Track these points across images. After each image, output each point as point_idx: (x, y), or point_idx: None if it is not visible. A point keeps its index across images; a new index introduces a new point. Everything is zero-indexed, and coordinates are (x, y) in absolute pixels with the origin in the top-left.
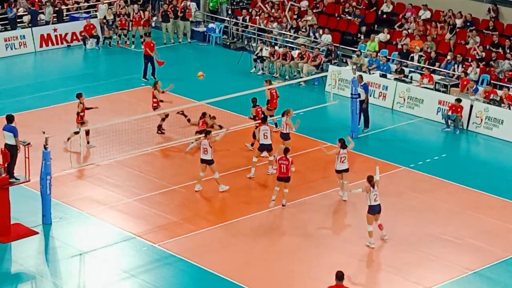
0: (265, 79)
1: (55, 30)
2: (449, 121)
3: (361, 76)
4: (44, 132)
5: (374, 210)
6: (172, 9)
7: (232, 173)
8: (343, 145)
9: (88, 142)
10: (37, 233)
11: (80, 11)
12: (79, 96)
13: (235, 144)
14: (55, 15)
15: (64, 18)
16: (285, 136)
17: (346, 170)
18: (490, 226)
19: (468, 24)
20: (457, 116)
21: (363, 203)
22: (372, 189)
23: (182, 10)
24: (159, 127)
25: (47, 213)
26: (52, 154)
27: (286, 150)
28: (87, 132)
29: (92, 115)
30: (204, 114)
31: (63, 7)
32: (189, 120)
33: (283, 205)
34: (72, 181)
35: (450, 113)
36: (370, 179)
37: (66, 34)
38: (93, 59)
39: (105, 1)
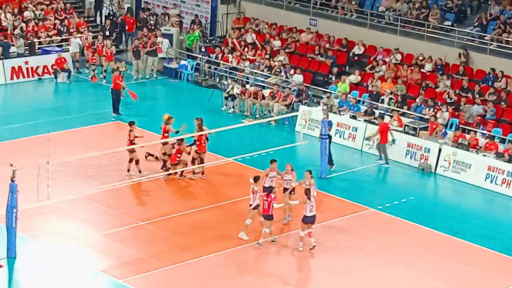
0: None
1: (26, 62)
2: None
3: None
4: (11, 165)
5: (308, 220)
6: (144, 45)
7: (202, 210)
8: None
9: (128, 170)
10: (1, 266)
11: (52, 44)
12: (131, 124)
13: (206, 181)
14: (27, 47)
15: (36, 51)
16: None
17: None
18: (456, 269)
19: (439, 68)
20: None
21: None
22: (308, 201)
23: (152, 45)
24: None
25: (12, 246)
26: (20, 187)
27: (271, 188)
28: (137, 162)
29: (61, 149)
30: (181, 141)
31: (35, 39)
32: (156, 158)
33: (258, 244)
34: (39, 214)
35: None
36: (306, 192)
37: (38, 67)
38: (64, 92)
39: (77, 36)
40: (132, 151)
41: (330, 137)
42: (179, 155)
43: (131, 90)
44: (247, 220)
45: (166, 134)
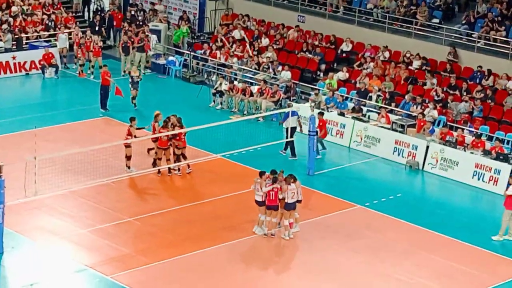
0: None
1: (14, 57)
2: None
3: (290, 103)
4: None
5: (289, 206)
6: (132, 40)
7: (189, 206)
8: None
9: (129, 167)
10: None
11: (40, 39)
12: (132, 119)
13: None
14: (14, 42)
15: (24, 46)
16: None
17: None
18: (443, 266)
19: (424, 67)
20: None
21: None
22: (289, 187)
23: (139, 41)
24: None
25: None
26: (7, 182)
27: (275, 179)
28: (129, 157)
29: (49, 144)
30: (132, 120)
31: (23, 35)
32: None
33: (271, 234)
34: (26, 210)
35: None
36: (287, 179)
37: (25, 62)
38: (51, 88)
39: (65, 31)
40: (128, 146)
41: (294, 128)
42: (128, 137)
43: (118, 86)
44: (260, 215)
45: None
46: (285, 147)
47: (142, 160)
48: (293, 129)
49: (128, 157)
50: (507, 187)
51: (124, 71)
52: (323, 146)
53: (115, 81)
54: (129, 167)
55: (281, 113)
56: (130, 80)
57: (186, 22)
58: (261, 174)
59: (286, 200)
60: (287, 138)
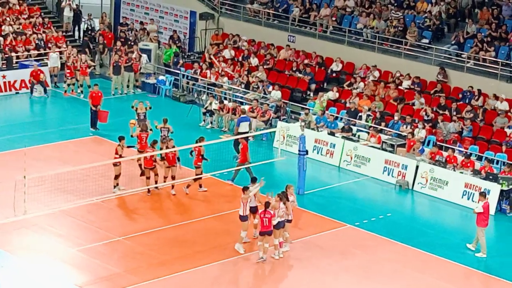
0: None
1: (4, 76)
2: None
3: (244, 110)
4: None
5: (279, 225)
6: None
7: (179, 225)
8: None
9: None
10: None
11: (30, 58)
12: (121, 139)
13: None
14: (4, 61)
15: (14, 65)
16: None
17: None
18: (433, 286)
19: (416, 85)
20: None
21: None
22: (281, 205)
23: (127, 61)
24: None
25: None
26: None
27: (267, 204)
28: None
29: (38, 163)
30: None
31: (13, 54)
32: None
33: (263, 259)
34: (15, 229)
35: None
36: (281, 197)
37: (15, 81)
38: (41, 107)
39: (56, 50)
40: (115, 165)
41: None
42: (116, 156)
43: (103, 110)
44: (242, 233)
45: (116, 155)
46: (236, 148)
47: (131, 179)
48: (244, 134)
49: (117, 176)
50: (478, 205)
51: (132, 106)
52: (249, 172)
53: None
54: (115, 186)
55: (270, 133)
56: (136, 118)
57: (177, 42)
58: (244, 189)
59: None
60: (238, 143)
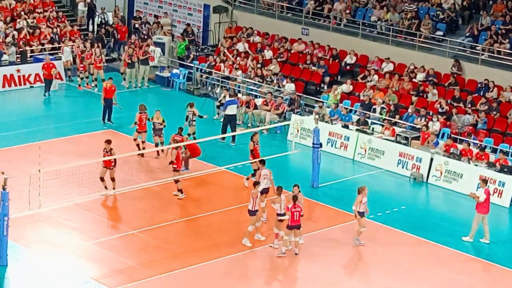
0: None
1: (18, 70)
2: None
3: (234, 91)
4: (3, 173)
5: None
6: (137, 53)
7: (194, 218)
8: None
9: (113, 188)
10: None
11: (44, 52)
12: (108, 142)
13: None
14: (18, 55)
15: (28, 59)
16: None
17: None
18: (448, 280)
19: (430, 78)
20: None
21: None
22: (280, 198)
23: (143, 54)
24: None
25: (3, 255)
26: (11, 195)
27: (295, 198)
28: (113, 179)
29: (53, 157)
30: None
31: (27, 48)
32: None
33: (296, 254)
34: (30, 223)
35: None
36: (278, 190)
37: (30, 75)
38: (55, 100)
39: (69, 44)
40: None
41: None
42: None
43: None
44: (249, 227)
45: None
46: (224, 132)
47: (144, 173)
48: (232, 117)
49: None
50: (477, 190)
51: (149, 119)
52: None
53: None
54: (106, 187)
55: (284, 126)
56: (152, 127)
57: (190, 36)
58: (255, 184)
59: (278, 211)
60: (225, 125)
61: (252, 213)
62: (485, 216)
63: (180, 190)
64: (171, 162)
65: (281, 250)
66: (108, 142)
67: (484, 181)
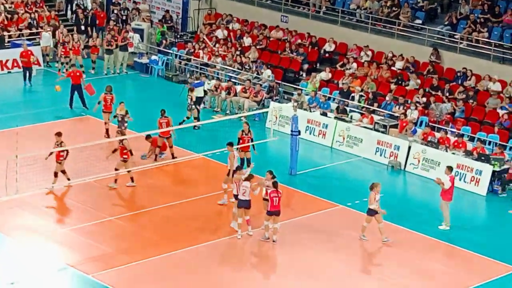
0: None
1: None
2: None
3: (200, 74)
4: None
5: (241, 204)
6: (115, 39)
7: (171, 205)
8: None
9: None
10: None
11: (22, 38)
12: (58, 134)
13: (176, 177)
14: None
15: (6, 44)
16: None
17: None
18: (424, 267)
19: (409, 66)
20: None
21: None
22: (243, 183)
23: (122, 40)
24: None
25: None
26: None
27: (275, 184)
28: (63, 171)
29: (30, 143)
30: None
31: (5, 33)
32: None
33: (273, 241)
34: (7, 208)
35: None
36: (248, 177)
37: (7, 60)
38: (33, 86)
39: (48, 29)
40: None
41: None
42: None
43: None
44: (234, 209)
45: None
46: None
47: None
48: (200, 98)
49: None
50: (445, 179)
51: (115, 116)
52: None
53: (85, 79)
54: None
55: (263, 113)
56: (117, 119)
57: (169, 22)
58: (237, 169)
59: (238, 197)
60: (193, 104)
61: (237, 197)
62: (448, 203)
63: (131, 178)
64: (114, 150)
65: (265, 235)
66: (59, 134)
67: (450, 168)
